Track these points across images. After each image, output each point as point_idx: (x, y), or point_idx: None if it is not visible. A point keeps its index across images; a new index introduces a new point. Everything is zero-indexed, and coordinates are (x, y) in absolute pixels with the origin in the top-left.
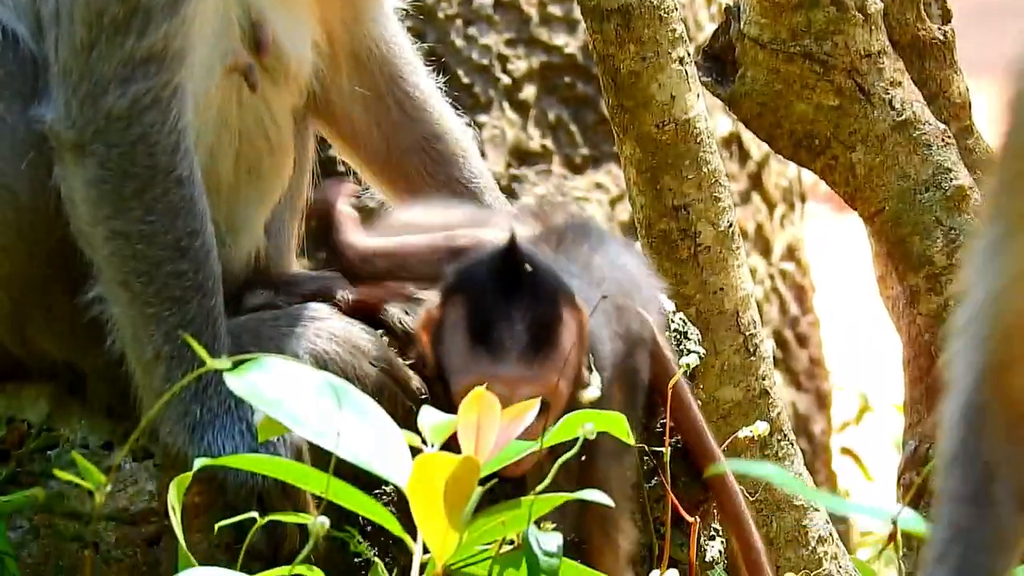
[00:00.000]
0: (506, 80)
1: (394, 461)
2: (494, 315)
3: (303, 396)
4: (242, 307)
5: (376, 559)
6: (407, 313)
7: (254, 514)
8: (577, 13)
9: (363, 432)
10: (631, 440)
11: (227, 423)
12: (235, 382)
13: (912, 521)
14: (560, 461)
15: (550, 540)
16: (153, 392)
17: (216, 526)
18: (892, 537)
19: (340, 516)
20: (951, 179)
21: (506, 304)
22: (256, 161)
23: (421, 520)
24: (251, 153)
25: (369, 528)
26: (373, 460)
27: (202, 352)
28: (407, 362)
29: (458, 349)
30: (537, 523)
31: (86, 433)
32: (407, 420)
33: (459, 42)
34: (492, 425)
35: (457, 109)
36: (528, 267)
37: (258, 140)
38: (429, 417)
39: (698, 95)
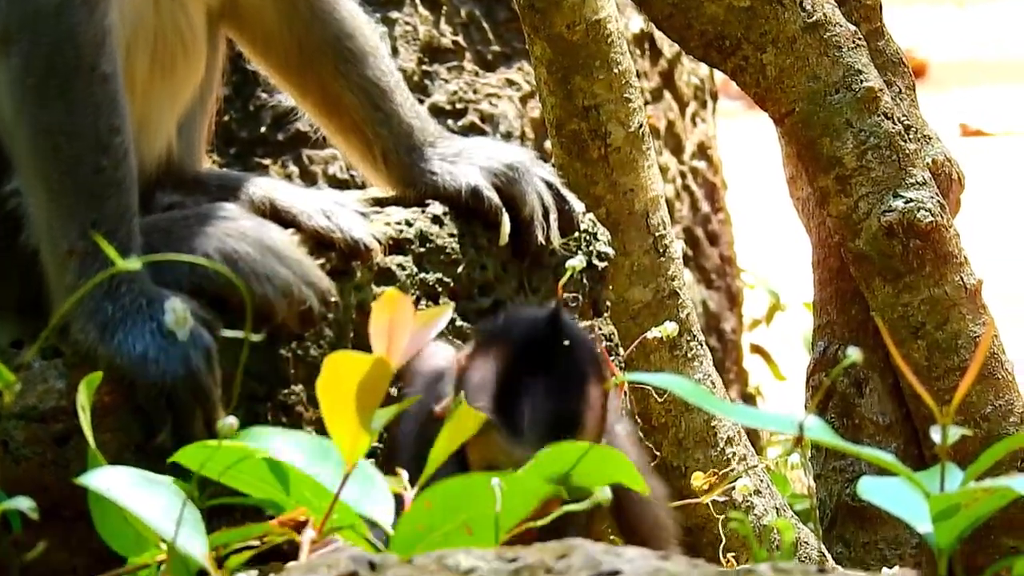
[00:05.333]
0: None
1: None
2: (520, 392)
3: None
4: (152, 206)
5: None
6: (320, 214)
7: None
8: None
9: None
10: (645, 488)
11: (138, 322)
12: None
13: (818, 428)
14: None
15: None
16: (65, 289)
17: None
18: (798, 442)
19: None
20: (861, 81)
21: (535, 381)
22: (170, 61)
23: (330, 420)
24: (165, 53)
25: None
26: None
27: (112, 252)
28: (317, 262)
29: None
30: None
31: None
32: (314, 320)
33: None
34: (404, 327)
35: (369, 6)
36: (566, 342)
37: (173, 40)
38: None
39: None
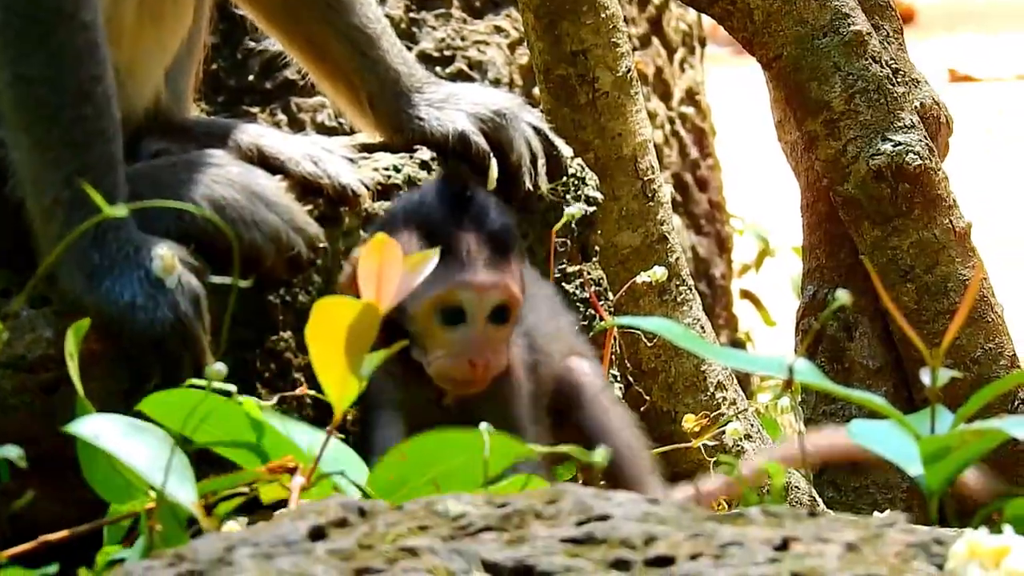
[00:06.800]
0: None
1: None
2: (452, 230)
3: None
4: (140, 154)
5: (274, 403)
6: (308, 160)
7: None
8: None
9: None
10: None
11: (126, 269)
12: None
13: (807, 372)
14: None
15: None
16: (51, 238)
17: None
18: (788, 385)
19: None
20: (849, 24)
21: (460, 221)
22: (159, 9)
23: (319, 366)
24: (154, 1)
25: (267, 374)
26: None
27: (99, 199)
28: (305, 208)
29: None
30: None
31: None
32: (302, 266)
33: None
34: (394, 271)
35: None
36: (469, 192)
37: None
38: None
39: None
